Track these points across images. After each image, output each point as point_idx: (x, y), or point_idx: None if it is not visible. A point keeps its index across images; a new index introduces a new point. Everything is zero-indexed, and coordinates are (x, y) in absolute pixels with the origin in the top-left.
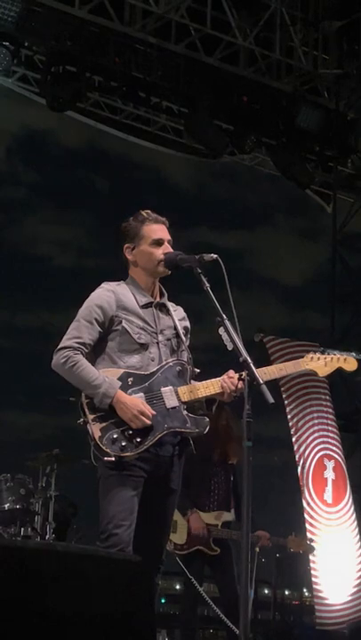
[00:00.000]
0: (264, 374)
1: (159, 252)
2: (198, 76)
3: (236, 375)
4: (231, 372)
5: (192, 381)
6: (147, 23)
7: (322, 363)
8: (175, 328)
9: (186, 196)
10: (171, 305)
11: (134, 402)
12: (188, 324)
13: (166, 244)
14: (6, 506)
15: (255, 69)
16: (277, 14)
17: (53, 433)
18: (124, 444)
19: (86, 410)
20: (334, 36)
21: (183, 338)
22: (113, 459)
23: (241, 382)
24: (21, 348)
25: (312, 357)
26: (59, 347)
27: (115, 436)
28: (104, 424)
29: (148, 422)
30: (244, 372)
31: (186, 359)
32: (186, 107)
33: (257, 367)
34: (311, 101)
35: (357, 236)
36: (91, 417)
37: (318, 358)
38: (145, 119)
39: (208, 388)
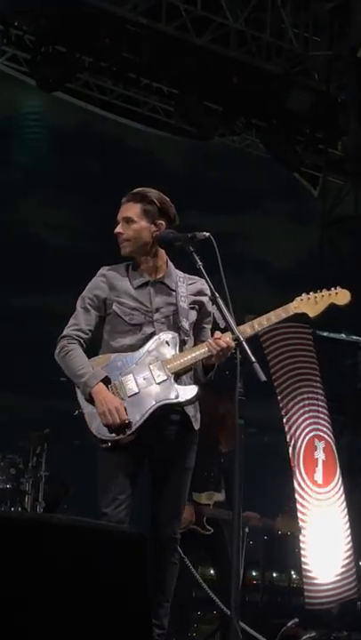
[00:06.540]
0: (252, 327)
1: (116, 231)
2: (189, 57)
3: (223, 335)
4: (218, 334)
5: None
6: (138, 3)
7: (312, 302)
8: (176, 305)
9: (177, 178)
10: (187, 278)
11: (112, 400)
12: (203, 298)
13: (119, 222)
14: None
15: (246, 51)
16: None
17: (44, 414)
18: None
19: (79, 399)
20: (325, 18)
21: (185, 312)
22: (109, 444)
23: (229, 340)
24: (15, 329)
25: (301, 299)
26: (59, 337)
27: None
28: (95, 410)
29: (118, 421)
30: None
31: (185, 330)
32: (176, 88)
33: (246, 343)
34: (302, 83)
35: (347, 218)
36: (83, 404)
37: (308, 299)
38: (135, 100)
39: (194, 353)
